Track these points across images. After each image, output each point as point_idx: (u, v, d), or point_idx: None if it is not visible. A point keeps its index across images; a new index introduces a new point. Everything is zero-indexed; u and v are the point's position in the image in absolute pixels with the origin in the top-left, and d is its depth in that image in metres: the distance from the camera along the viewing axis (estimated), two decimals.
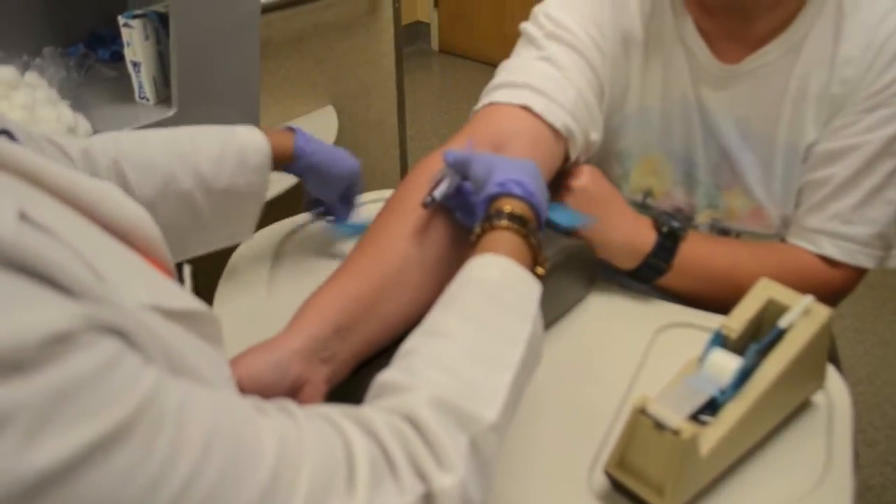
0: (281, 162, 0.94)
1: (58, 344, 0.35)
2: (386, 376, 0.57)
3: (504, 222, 0.69)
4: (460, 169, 0.80)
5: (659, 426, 0.66)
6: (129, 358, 0.39)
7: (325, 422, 0.51)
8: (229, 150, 0.88)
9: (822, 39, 0.94)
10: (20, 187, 0.47)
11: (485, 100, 0.98)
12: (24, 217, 0.38)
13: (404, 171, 2.34)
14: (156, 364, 0.41)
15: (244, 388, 0.66)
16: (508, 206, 0.70)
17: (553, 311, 0.93)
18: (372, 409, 0.53)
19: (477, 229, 0.71)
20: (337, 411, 0.53)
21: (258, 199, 0.93)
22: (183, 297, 0.51)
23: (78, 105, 1.31)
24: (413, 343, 0.60)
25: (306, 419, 0.50)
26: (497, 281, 0.64)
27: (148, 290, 0.47)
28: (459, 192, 0.81)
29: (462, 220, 0.83)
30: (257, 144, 0.90)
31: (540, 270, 0.69)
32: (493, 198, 0.72)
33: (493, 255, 0.66)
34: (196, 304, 0.51)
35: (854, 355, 2.24)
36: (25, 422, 0.33)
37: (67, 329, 0.36)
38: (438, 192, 0.80)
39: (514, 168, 0.74)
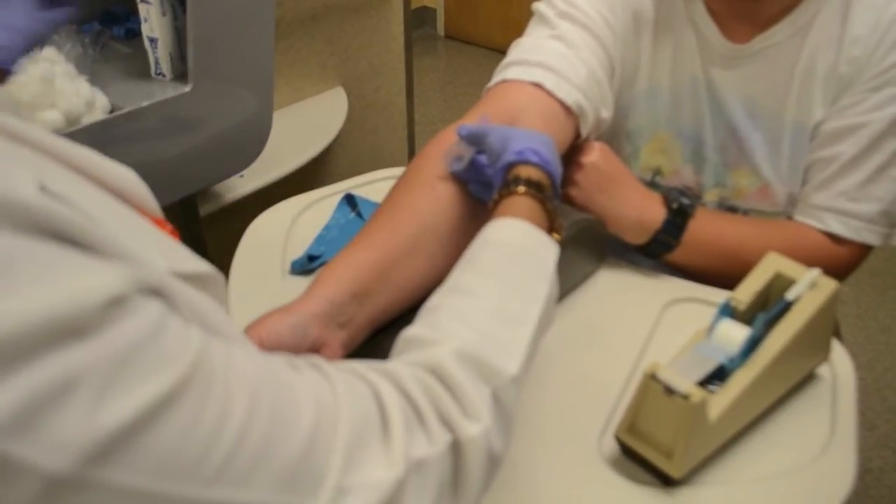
0: None
1: (115, 307, 0.36)
2: (410, 332, 0.59)
3: (521, 188, 0.71)
4: (475, 142, 0.82)
5: (669, 391, 0.68)
6: (173, 319, 0.40)
7: (355, 375, 0.52)
8: None
9: (830, 19, 0.96)
10: (38, 160, 0.47)
11: (497, 77, 1.00)
12: (43, 189, 0.38)
13: (412, 152, 2.36)
14: (194, 325, 0.42)
15: (265, 350, 0.68)
16: (525, 172, 0.72)
17: (564, 285, 0.93)
18: (397, 364, 0.55)
19: (495, 196, 0.73)
20: (364, 366, 0.54)
21: None
22: (191, 259, 0.52)
23: (95, 81, 1.32)
24: (436, 300, 0.62)
25: (337, 375, 0.51)
26: (516, 242, 0.66)
27: (163, 254, 0.48)
28: (473, 165, 0.83)
29: (475, 192, 0.84)
30: None
31: (556, 236, 0.71)
32: (511, 165, 0.74)
33: (511, 219, 0.68)
34: (204, 265, 0.52)
35: (856, 341, 2.26)
36: (94, 384, 0.35)
37: (122, 292, 0.37)
38: (453, 165, 0.82)
39: (531, 138, 0.76)
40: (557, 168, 0.75)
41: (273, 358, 0.49)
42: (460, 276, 0.64)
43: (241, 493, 0.40)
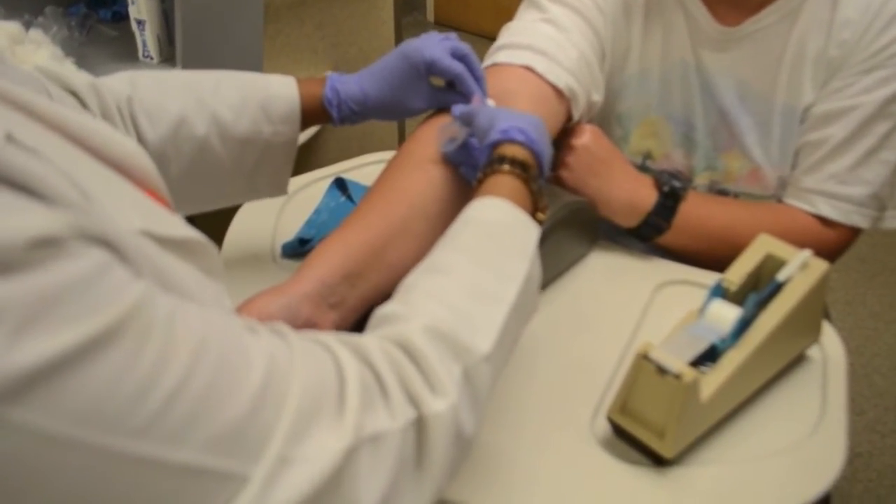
0: (315, 115, 0.87)
1: (45, 248, 0.36)
2: (384, 309, 0.59)
3: (506, 167, 0.70)
4: (467, 122, 0.81)
5: (661, 371, 0.68)
6: (117, 269, 0.39)
7: (318, 345, 0.51)
8: (254, 96, 0.83)
9: (820, 2, 0.96)
10: (10, 114, 0.47)
11: (488, 60, 1.00)
12: (10, 139, 0.38)
13: (402, 136, 2.35)
14: (145, 279, 0.41)
15: None
16: (511, 151, 0.72)
17: (555, 268, 0.94)
18: (366, 337, 0.55)
19: (479, 174, 0.72)
20: (331, 337, 0.53)
21: (287, 151, 0.86)
22: (179, 226, 0.52)
23: (81, 63, 1.31)
24: (412, 279, 0.62)
25: (299, 342, 0.50)
26: (495, 221, 0.66)
27: (141, 216, 0.48)
28: (466, 147, 0.83)
29: (466, 174, 0.84)
30: (286, 93, 0.84)
31: (540, 216, 0.70)
32: (496, 144, 0.73)
33: (492, 198, 0.67)
34: (192, 232, 0.51)
35: (845, 327, 2.27)
36: (12, 320, 0.34)
37: (54, 234, 0.36)
38: (447, 145, 0.82)
39: (518, 118, 0.75)
40: (544, 148, 0.75)
41: (231, 320, 0.48)
42: (438, 254, 0.64)
43: (172, 450, 0.39)
